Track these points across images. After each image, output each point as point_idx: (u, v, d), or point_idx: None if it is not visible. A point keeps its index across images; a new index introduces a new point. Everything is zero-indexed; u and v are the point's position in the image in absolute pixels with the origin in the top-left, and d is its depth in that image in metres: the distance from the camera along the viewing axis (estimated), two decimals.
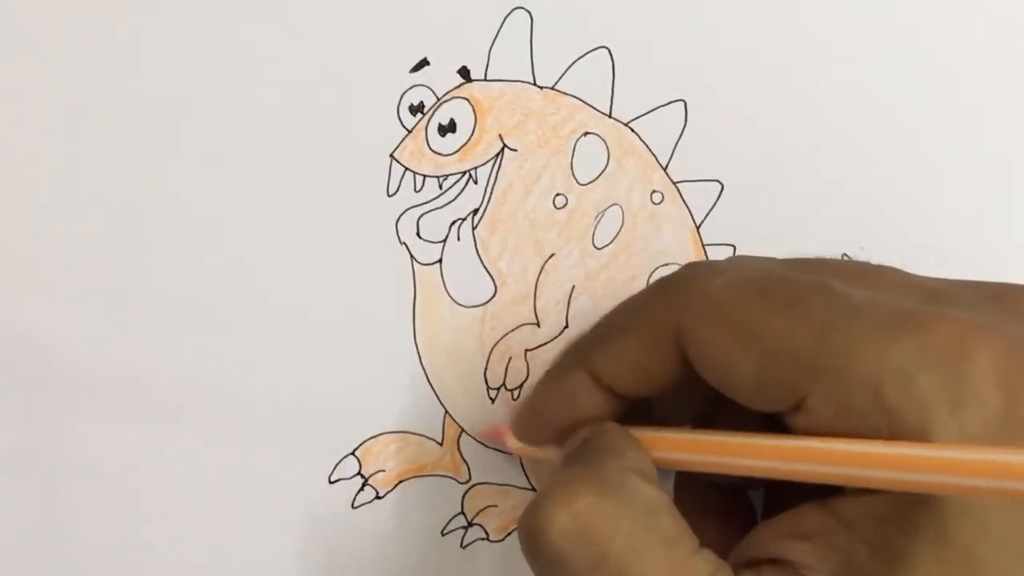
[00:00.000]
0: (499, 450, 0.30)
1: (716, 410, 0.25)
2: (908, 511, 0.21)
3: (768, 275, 0.23)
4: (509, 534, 0.31)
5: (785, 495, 0.24)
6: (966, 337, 0.21)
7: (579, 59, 0.29)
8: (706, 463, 0.23)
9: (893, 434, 0.20)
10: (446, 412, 0.30)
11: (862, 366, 0.21)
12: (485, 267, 0.30)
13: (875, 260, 0.25)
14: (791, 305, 0.22)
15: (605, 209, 0.30)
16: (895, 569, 0.21)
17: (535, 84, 0.29)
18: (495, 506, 0.30)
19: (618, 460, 0.23)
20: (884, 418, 0.21)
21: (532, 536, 0.22)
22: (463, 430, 0.30)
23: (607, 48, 0.29)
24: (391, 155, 0.29)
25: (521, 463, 0.30)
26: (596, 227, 0.30)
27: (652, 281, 0.30)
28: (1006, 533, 0.21)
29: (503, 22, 0.29)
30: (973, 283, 0.24)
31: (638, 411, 0.25)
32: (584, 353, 0.25)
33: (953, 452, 0.20)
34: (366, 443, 0.29)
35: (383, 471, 0.30)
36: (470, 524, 0.30)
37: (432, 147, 0.29)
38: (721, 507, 0.26)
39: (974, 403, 0.20)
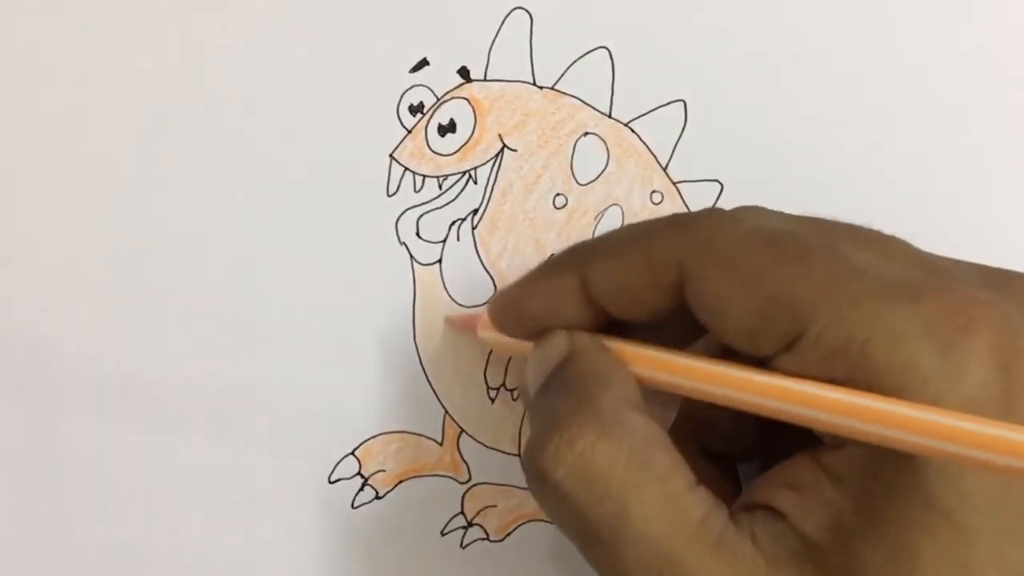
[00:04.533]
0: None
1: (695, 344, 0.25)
2: (887, 469, 0.21)
3: (780, 228, 0.23)
4: (509, 534, 0.31)
5: (781, 454, 0.24)
6: (964, 310, 0.21)
7: (579, 59, 0.29)
8: (682, 387, 0.23)
9: (870, 390, 0.21)
10: (446, 412, 0.30)
11: (856, 320, 0.21)
12: (485, 267, 0.29)
13: None
14: (797, 258, 0.22)
15: (605, 209, 0.30)
16: (878, 528, 0.21)
17: (535, 84, 0.29)
18: (495, 506, 0.30)
19: (611, 391, 0.23)
20: (864, 374, 0.21)
21: (539, 476, 0.23)
22: (463, 430, 0.30)
23: (607, 48, 0.29)
24: (391, 155, 0.29)
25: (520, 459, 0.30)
26: (596, 227, 0.30)
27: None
28: (991, 505, 0.21)
29: (503, 22, 0.29)
30: (976, 264, 0.25)
31: (612, 331, 0.25)
32: (581, 260, 0.25)
33: (919, 412, 0.20)
34: (366, 443, 0.29)
35: (383, 471, 0.30)
36: (470, 524, 0.30)
37: (432, 147, 0.29)
38: (708, 476, 0.26)
39: (958, 375, 0.21)
